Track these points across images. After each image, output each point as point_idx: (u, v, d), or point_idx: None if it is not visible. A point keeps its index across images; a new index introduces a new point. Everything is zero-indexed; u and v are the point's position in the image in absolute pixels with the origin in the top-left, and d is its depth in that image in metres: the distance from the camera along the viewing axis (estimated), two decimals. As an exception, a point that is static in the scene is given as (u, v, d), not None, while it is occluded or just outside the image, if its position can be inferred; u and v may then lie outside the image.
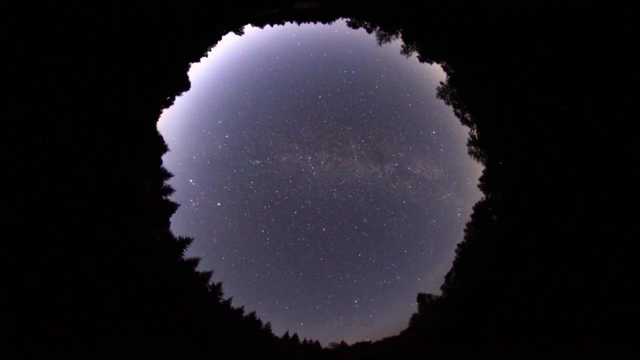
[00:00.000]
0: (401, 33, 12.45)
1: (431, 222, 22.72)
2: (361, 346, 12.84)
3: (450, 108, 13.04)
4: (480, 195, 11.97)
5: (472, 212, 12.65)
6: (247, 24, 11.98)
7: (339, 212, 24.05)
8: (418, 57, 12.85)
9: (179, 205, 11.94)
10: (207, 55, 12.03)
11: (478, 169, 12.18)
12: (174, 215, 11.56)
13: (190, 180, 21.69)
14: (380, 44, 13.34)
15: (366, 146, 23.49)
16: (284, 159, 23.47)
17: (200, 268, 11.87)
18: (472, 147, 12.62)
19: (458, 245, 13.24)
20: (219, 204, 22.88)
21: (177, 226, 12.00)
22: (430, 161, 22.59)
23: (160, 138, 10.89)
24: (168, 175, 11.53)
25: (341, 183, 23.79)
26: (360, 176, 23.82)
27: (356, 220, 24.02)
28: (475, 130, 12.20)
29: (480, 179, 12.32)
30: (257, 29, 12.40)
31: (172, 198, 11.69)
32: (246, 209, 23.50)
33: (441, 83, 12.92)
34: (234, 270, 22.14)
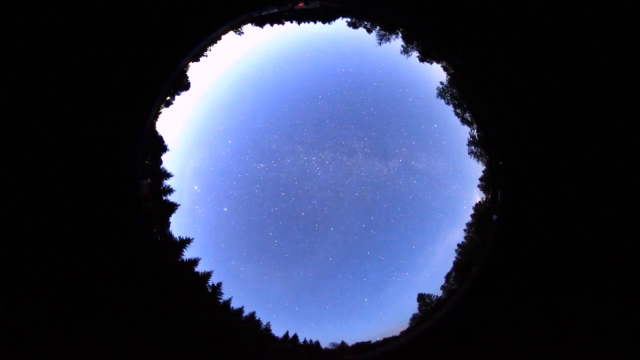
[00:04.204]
0: (401, 33, 12.46)
1: (438, 216, 22.65)
2: (361, 346, 12.85)
3: (450, 107, 13.08)
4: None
5: (473, 212, 12.68)
6: (247, 23, 11.99)
7: (346, 211, 23.96)
8: (418, 57, 12.88)
9: (179, 205, 11.95)
10: (206, 55, 12.03)
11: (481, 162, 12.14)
12: (179, 219, 11.60)
13: (195, 187, 21.64)
14: (380, 44, 13.36)
15: (370, 143, 23.38)
16: (288, 160, 23.40)
17: (209, 273, 11.93)
18: (472, 147, 12.63)
19: (458, 245, 13.25)
20: (225, 209, 22.83)
21: (183, 231, 12.01)
22: (434, 155, 22.49)
23: (160, 138, 10.89)
24: (168, 175, 11.54)
25: (347, 182, 23.70)
26: (365, 174, 23.72)
27: (363, 218, 23.94)
28: (475, 131, 12.21)
29: (480, 179, 12.32)
30: (257, 28, 12.40)
31: (172, 198, 11.70)
32: (253, 213, 23.43)
33: (441, 83, 12.94)
34: (242, 274, 22.13)
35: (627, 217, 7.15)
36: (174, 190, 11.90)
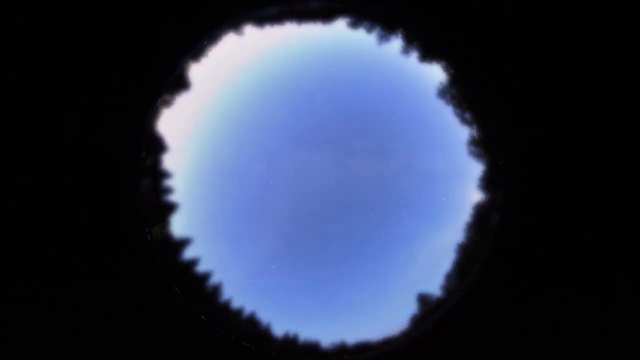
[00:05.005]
0: (401, 33, 12.48)
1: (438, 216, 22.64)
2: (361, 346, 12.87)
3: (450, 107, 13.08)
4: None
5: (473, 211, 12.69)
6: (247, 23, 12.02)
7: (346, 211, 23.94)
8: (418, 57, 12.89)
9: (179, 205, 11.95)
10: (206, 55, 12.05)
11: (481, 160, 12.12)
12: (179, 219, 11.59)
13: (196, 187, 21.67)
14: (380, 44, 13.37)
15: (370, 143, 23.40)
16: (289, 161, 23.39)
17: (209, 273, 11.94)
18: (472, 147, 12.64)
19: (458, 245, 13.26)
20: (226, 210, 22.87)
21: (183, 231, 11.95)
22: (434, 155, 22.41)
23: (160, 138, 10.90)
24: (168, 175, 11.55)
25: (347, 182, 23.73)
26: (366, 173, 23.71)
27: (364, 218, 23.89)
28: (475, 131, 12.23)
29: (480, 179, 12.34)
30: (257, 28, 12.43)
31: (172, 198, 11.71)
32: (254, 214, 23.45)
33: (441, 83, 12.94)
34: (243, 274, 22.13)
35: (627, 217, 7.18)
36: (174, 190, 11.90)
